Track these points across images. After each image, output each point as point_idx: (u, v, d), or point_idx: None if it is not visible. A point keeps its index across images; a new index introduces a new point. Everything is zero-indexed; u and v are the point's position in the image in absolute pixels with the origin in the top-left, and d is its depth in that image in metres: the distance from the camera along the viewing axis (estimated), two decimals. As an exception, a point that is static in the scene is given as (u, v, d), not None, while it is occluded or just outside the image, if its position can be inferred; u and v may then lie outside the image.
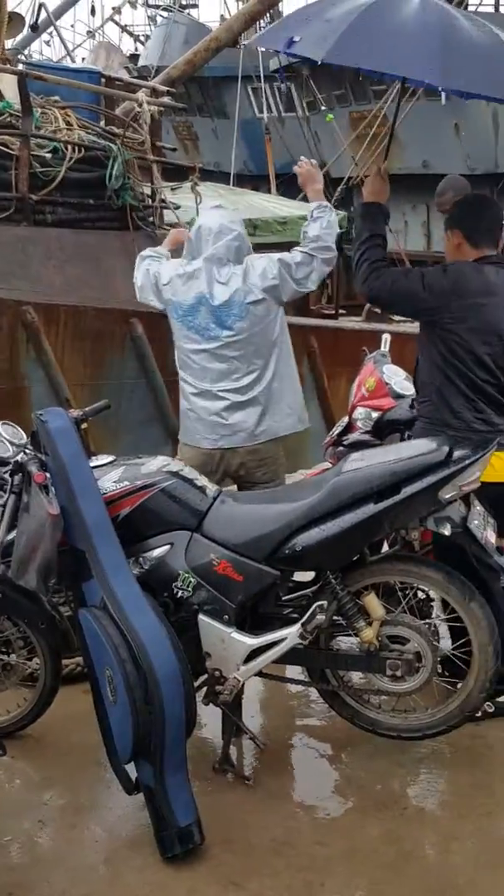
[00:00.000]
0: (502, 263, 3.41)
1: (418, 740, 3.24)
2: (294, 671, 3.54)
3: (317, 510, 2.99)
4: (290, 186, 12.24)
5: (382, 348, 4.37)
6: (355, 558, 3.10)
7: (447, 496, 2.96)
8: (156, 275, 4.05)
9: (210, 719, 3.39)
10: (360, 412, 4.02)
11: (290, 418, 3.95)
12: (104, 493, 3.08)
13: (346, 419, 4.16)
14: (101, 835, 2.96)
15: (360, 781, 3.21)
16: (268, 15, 11.54)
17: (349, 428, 4.11)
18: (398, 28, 3.15)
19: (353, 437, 3.99)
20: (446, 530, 3.02)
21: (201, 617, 3.09)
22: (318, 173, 4.06)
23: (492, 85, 3.25)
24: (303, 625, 3.05)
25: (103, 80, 6.96)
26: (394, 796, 3.12)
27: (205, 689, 3.15)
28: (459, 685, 3.15)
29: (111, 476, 3.16)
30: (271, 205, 7.91)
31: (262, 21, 11.12)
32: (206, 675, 3.14)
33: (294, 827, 2.99)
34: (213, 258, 3.87)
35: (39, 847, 2.91)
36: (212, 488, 3.23)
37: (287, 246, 4.36)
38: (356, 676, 3.34)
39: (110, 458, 3.28)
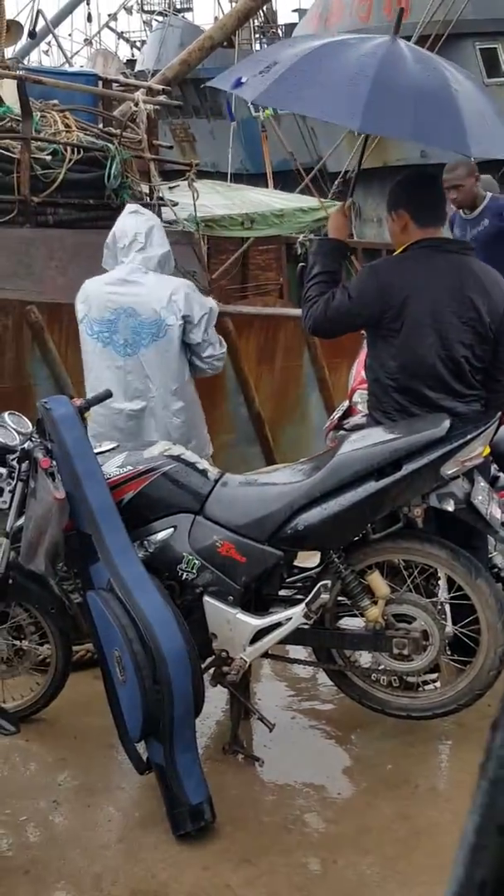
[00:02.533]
0: (445, 246, 3.36)
1: (428, 720, 3.27)
2: (301, 654, 3.57)
3: (318, 489, 3.03)
4: (287, 183, 12.28)
5: None
6: (358, 537, 3.13)
7: (449, 472, 2.99)
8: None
9: (218, 702, 3.43)
10: (359, 395, 4.05)
11: None
12: (108, 478, 3.13)
13: (346, 403, 4.20)
14: (115, 814, 3.00)
15: (370, 761, 3.24)
16: (261, 13, 11.57)
17: (349, 412, 4.14)
18: (332, 72, 3.17)
19: (354, 420, 4.03)
20: (449, 506, 3.05)
21: (206, 598, 3.13)
22: None
23: (413, 128, 3.21)
24: (307, 604, 3.08)
25: (100, 82, 7.02)
26: (405, 775, 3.14)
27: (212, 670, 3.19)
28: (469, 664, 3.18)
29: (115, 461, 3.20)
30: (268, 198, 7.94)
31: (256, 19, 11.17)
32: (212, 657, 3.17)
33: (305, 806, 3.02)
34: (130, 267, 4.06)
35: (55, 826, 2.96)
36: (213, 471, 3.27)
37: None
38: (363, 656, 3.37)
39: (113, 444, 3.33)
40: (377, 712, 3.30)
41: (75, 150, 5.98)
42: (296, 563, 3.30)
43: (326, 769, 3.22)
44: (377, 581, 3.11)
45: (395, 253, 3.37)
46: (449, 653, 3.26)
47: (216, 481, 3.21)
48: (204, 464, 3.29)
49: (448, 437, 2.98)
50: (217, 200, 7.12)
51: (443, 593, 3.21)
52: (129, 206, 4.39)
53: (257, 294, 9.95)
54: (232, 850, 2.79)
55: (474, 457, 3.03)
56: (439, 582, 3.21)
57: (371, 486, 2.97)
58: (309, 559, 3.37)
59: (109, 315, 4.05)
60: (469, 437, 2.98)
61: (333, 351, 6.53)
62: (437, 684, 3.32)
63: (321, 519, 3.01)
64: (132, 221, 4.13)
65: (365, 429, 3.27)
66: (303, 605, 3.09)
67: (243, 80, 3.30)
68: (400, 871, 2.69)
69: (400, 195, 3.36)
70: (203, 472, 3.23)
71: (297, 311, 7.58)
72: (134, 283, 4.04)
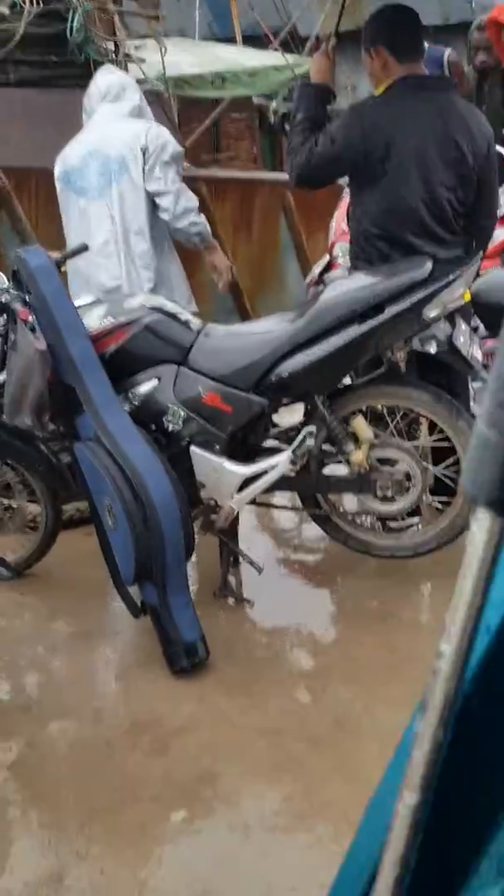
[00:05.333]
0: (428, 83, 3.26)
1: (411, 558, 3.37)
2: (288, 503, 3.65)
3: (302, 335, 3.03)
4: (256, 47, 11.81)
5: None
6: (342, 384, 3.15)
7: (432, 314, 3.00)
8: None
9: (208, 551, 3.51)
10: (340, 248, 4.01)
11: None
12: (89, 332, 3.11)
13: (326, 258, 4.16)
14: (112, 656, 3.11)
15: (355, 599, 3.35)
16: None
17: (330, 266, 4.11)
18: None
19: (335, 274, 4.00)
20: (432, 348, 3.07)
21: (193, 448, 3.16)
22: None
23: None
24: (293, 451, 3.12)
25: None
26: (389, 611, 3.26)
27: (201, 519, 3.25)
28: (449, 504, 3.26)
29: (94, 314, 3.18)
30: (239, 56, 7.64)
31: None
32: (201, 506, 3.23)
33: (294, 642, 3.14)
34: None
35: (53, 669, 3.06)
36: (195, 322, 3.25)
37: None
38: (347, 500, 3.45)
39: (92, 298, 3.29)
40: (361, 553, 3.40)
41: (34, 1, 5.69)
42: (277, 422, 3.33)
43: (313, 608, 3.33)
44: (361, 426, 3.15)
45: (376, 92, 3.27)
46: (430, 495, 3.34)
47: (199, 332, 3.20)
48: (186, 314, 3.27)
49: (430, 279, 2.98)
50: (186, 59, 6.85)
51: (424, 437, 3.26)
52: (103, 68, 4.27)
53: (231, 164, 9.71)
54: (225, 682, 2.90)
55: (456, 298, 3.03)
56: (421, 426, 3.25)
57: (354, 331, 2.98)
58: (291, 416, 3.40)
59: (79, 163, 3.97)
60: (451, 278, 2.97)
61: (310, 216, 6.41)
62: (420, 526, 3.40)
63: (305, 365, 3.02)
64: (105, 78, 4.09)
65: (345, 277, 3.25)
66: (289, 452, 3.13)
67: None
68: (385, 697, 2.81)
69: (377, 30, 3.26)
70: (185, 323, 3.22)
71: (274, 176, 7.46)
72: (104, 128, 3.93)
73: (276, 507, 3.54)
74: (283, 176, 7.88)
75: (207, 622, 3.05)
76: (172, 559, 2.90)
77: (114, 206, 3.92)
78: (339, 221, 4.15)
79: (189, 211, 3.93)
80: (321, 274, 4.13)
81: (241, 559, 3.33)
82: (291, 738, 2.64)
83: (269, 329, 3.14)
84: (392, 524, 3.43)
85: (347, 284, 3.07)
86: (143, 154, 3.87)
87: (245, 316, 6.53)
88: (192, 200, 3.96)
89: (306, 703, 2.81)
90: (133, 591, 3.05)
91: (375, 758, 2.54)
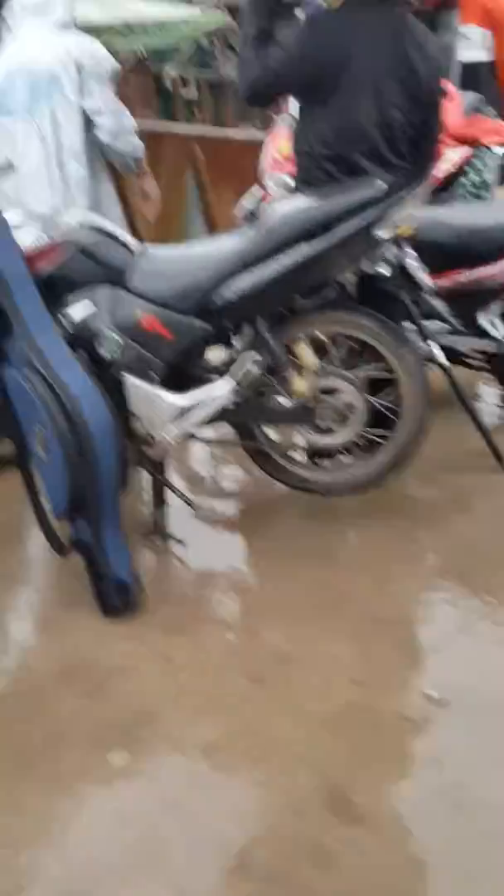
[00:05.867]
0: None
1: (349, 495, 3.26)
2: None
3: (248, 256, 2.86)
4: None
5: (291, 111, 4.11)
6: (286, 309, 3.00)
7: (383, 235, 2.86)
8: None
9: (138, 487, 3.33)
10: (272, 178, 3.81)
11: None
12: (22, 250, 2.86)
13: (256, 190, 3.95)
14: (35, 597, 2.92)
15: (290, 538, 3.23)
16: None
17: (262, 200, 3.91)
18: None
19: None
20: (385, 270, 2.94)
21: (128, 378, 2.97)
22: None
23: None
24: (236, 379, 2.96)
25: None
26: (325, 550, 3.15)
27: (134, 452, 3.07)
28: (388, 437, 3.16)
29: (28, 232, 2.93)
30: (146, 7, 7.35)
31: None
32: (134, 438, 3.05)
33: (228, 581, 3.01)
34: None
35: (-29, 613, 2.84)
36: (135, 243, 3.04)
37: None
38: (285, 433, 3.31)
39: (20, 219, 3.04)
40: (297, 489, 3.27)
41: None
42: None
43: (248, 548, 3.21)
44: (305, 352, 3.01)
45: (332, 4, 3.09)
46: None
47: (138, 253, 3.00)
48: (125, 236, 3.05)
49: (381, 198, 2.84)
50: (92, 10, 6.51)
51: (365, 366, 3.13)
52: None
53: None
54: (160, 621, 2.75)
55: (405, 218, 2.90)
56: (363, 355, 3.13)
57: (304, 250, 2.82)
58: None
59: (2, 81, 3.66)
60: (401, 195, 2.84)
61: (219, 173, 6.17)
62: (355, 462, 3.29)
63: (251, 286, 2.85)
64: None
65: (293, 197, 3.07)
66: (230, 380, 2.97)
67: None
68: (323, 631, 2.70)
69: None
70: (124, 244, 3.00)
71: (181, 127, 7.20)
72: (30, 44, 3.64)
73: (210, 441, 3.37)
74: (193, 128, 7.63)
75: (139, 561, 2.89)
76: (107, 491, 2.72)
77: (45, 125, 3.64)
78: (271, 151, 3.96)
79: (128, 131, 3.69)
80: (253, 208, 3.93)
81: (170, 496, 3.16)
82: (232, 674, 2.52)
83: (212, 249, 2.95)
84: (321, 460, 3.32)
85: (297, 203, 2.91)
86: (78, 69, 3.59)
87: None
88: (130, 120, 3.71)
89: (244, 641, 2.68)
90: (59, 530, 2.86)
91: (318, 691, 2.45)
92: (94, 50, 3.64)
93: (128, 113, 3.72)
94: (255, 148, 5.15)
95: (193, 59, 8.82)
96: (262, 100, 3.18)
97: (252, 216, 3.87)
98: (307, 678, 2.50)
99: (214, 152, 6.23)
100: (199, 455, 3.75)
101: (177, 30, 7.47)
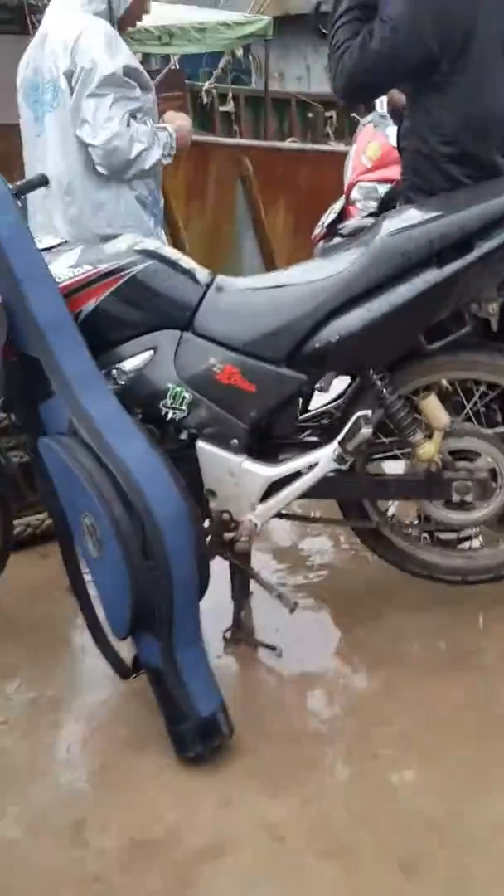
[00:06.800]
0: None
1: (488, 583, 2.56)
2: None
3: (357, 285, 2.20)
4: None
5: (379, 109, 3.45)
6: (407, 351, 2.32)
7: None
8: None
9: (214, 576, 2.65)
10: (361, 188, 3.15)
11: None
12: (59, 283, 2.23)
13: (339, 203, 3.29)
14: (91, 735, 2.23)
15: (420, 637, 2.52)
16: None
17: (344, 214, 3.25)
18: None
19: (353, 223, 3.13)
20: (539, 301, 2.26)
21: (200, 444, 2.33)
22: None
23: None
24: (341, 442, 2.29)
25: None
26: (468, 652, 2.45)
27: (209, 537, 2.40)
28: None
29: (66, 259, 2.31)
30: (185, 13, 6.89)
31: None
32: (210, 521, 2.39)
33: (347, 701, 2.32)
34: None
35: (6, 757, 2.15)
36: (203, 272, 2.39)
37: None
38: (407, 509, 2.62)
39: (60, 239, 2.42)
40: (422, 578, 2.57)
41: None
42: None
43: (364, 653, 2.50)
44: (433, 407, 2.32)
45: None
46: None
47: (208, 285, 2.35)
48: (189, 262, 2.40)
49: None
50: None
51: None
52: None
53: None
54: (259, 770, 2.06)
55: None
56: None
57: (432, 276, 2.15)
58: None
59: (20, 80, 3.01)
60: None
61: (269, 185, 5.67)
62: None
63: (362, 326, 2.19)
64: None
65: (406, 207, 2.40)
66: (335, 444, 2.29)
67: None
68: (487, 781, 2.01)
69: None
70: (190, 273, 2.36)
71: (232, 140, 6.70)
72: (48, 28, 2.90)
73: (310, 519, 2.68)
74: (242, 140, 7.15)
75: (220, 679, 2.20)
76: (184, 600, 2.05)
77: (44, 147, 2.94)
78: (357, 156, 3.32)
79: (112, 145, 2.77)
80: (334, 224, 3.27)
81: (260, 590, 2.48)
82: (369, 858, 1.81)
83: (307, 278, 2.29)
84: (445, 538, 2.63)
85: (416, 214, 2.24)
86: (68, 78, 2.81)
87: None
88: (123, 138, 2.77)
89: (376, 799, 1.98)
90: (122, 642, 2.20)
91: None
92: (87, 53, 2.78)
93: (122, 130, 2.76)
94: (307, 158, 4.62)
95: (229, 72, 8.46)
96: (366, 92, 2.53)
97: (332, 235, 3.22)
98: (478, 862, 1.78)
99: (264, 166, 5.76)
100: (288, 530, 3.06)
101: (218, 34, 7.00)
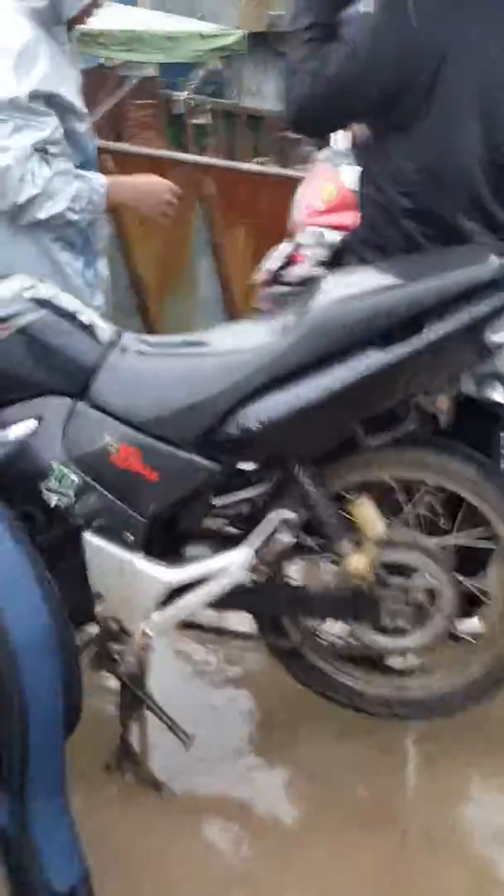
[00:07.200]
0: None
1: (423, 719, 2.17)
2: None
3: (285, 362, 1.82)
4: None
5: (333, 145, 3.09)
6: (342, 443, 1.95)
7: (499, 339, 1.82)
8: None
9: (97, 692, 2.22)
10: (310, 234, 2.77)
11: None
12: None
13: (285, 246, 2.91)
14: None
15: (332, 783, 2.12)
16: None
17: (290, 260, 2.87)
18: None
19: (299, 271, 2.75)
20: (498, 395, 1.89)
21: (88, 537, 1.92)
22: None
23: None
24: (258, 550, 1.90)
25: None
26: (387, 813, 2.05)
27: (92, 652, 2.00)
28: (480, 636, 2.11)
29: None
30: (154, 20, 6.55)
31: None
32: (96, 630, 1.98)
33: (242, 862, 1.90)
34: None
35: None
36: (106, 328, 2.00)
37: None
38: (332, 626, 2.21)
39: None
40: (344, 708, 2.17)
41: None
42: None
43: (268, 801, 2.08)
44: (367, 512, 1.94)
45: None
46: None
47: (111, 344, 1.96)
48: (90, 314, 2.00)
49: (497, 281, 1.81)
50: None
51: (456, 532, 2.08)
52: None
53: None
54: None
55: None
56: (455, 516, 2.07)
57: (375, 360, 1.78)
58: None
59: None
60: None
61: (231, 209, 5.36)
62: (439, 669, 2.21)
63: (290, 412, 1.80)
64: None
65: (351, 269, 2.04)
66: (248, 550, 1.90)
67: None
68: None
69: None
70: (89, 330, 1.96)
71: (192, 157, 6.36)
72: None
73: (219, 632, 2.26)
74: (202, 158, 6.85)
75: (94, 822, 1.76)
76: (41, 745, 1.62)
77: None
78: (306, 198, 2.96)
79: (7, 189, 2.33)
80: (280, 270, 2.88)
81: (151, 716, 2.06)
82: None
83: (229, 346, 1.91)
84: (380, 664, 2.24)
85: (363, 280, 1.87)
86: None
87: (146, 318, 5.37)
88: (12, 175, 2.30)
89: None
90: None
91: None
92: None
93: (29, 167, 2.31)
94: (273, 184, 4.32)
95: (208, 83, 8.23)
96: (316, 126, 2.17)
97: (275, 283, 2.84)
98: None
99: (227, 187, 5.44)
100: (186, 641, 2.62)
101: (190, 45, 6.70)
